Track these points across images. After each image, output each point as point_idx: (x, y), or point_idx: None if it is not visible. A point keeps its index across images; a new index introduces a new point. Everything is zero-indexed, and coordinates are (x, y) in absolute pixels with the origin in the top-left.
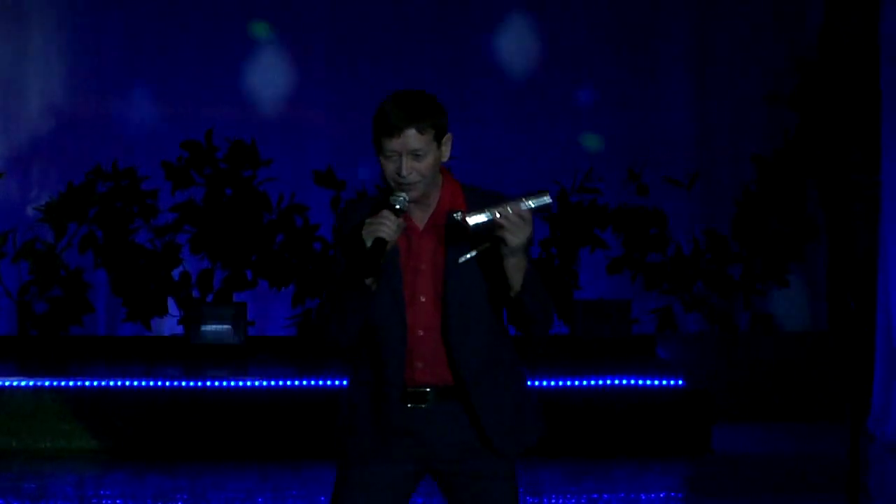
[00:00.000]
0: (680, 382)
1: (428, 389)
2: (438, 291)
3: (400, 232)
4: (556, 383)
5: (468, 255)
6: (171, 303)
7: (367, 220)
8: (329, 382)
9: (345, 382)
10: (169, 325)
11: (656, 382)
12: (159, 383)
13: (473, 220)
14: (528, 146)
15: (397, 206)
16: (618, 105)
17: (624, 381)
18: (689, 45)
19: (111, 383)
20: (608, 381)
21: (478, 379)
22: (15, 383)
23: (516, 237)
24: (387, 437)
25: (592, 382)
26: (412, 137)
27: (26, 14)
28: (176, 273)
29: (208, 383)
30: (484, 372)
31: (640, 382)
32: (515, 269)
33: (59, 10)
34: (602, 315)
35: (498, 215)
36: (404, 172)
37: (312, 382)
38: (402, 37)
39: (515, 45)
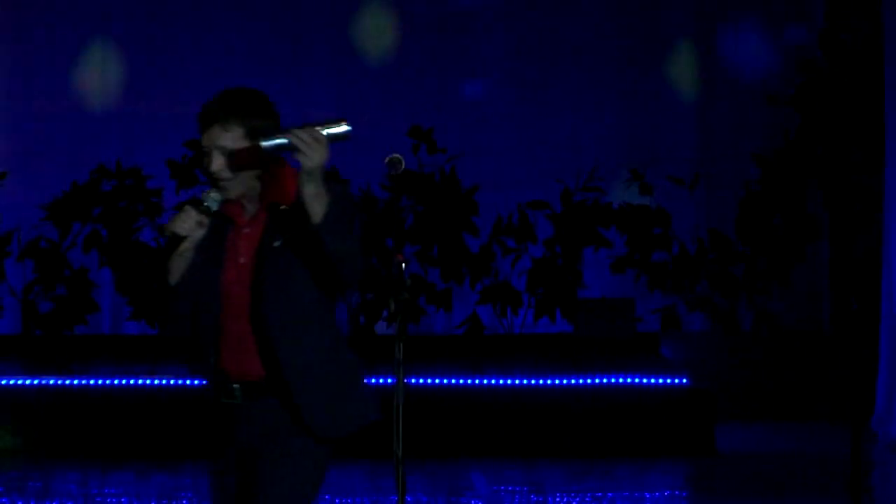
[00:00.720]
0: (683, 381)
1: (237, 386)
2: (248, 280)
3: (200, 228)
4: (560, 382)
5: (279, 242)
6: None
7: (171, 215)
8: None
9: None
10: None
11: (660, 381)
12: (164, 382)
13: (269, 142)
14: (531, 145)
15: (205, 203)
16: (621, 105)
17: (627, 381)
18: (691, 44)
19: (116, 382)
20: (612, 380)
21: (295, 369)
22: (20, 382)
23: (309, 159)
24: (219, 423)
25: (596, 381)
26: (217, 134)
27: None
28: None
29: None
30: (302, 361)
31: (644, 381)
32: (313, 197)
33: (62, 7)
34: (606, 314)
35: (294, 138)
36: (212, 168)
37: None
38: (401, 35)
39: (516, 43)
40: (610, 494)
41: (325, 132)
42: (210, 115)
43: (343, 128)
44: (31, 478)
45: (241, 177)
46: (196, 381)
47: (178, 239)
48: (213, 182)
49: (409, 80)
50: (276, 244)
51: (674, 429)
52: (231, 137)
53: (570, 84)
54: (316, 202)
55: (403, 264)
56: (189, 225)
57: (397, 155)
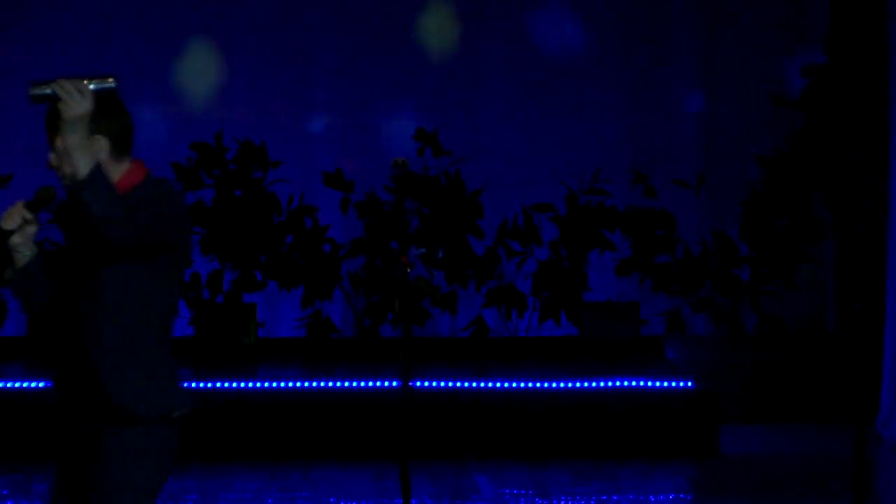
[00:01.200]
0: (688, 384)
1: (57, 374)
2: (76, 276)
3: (28, 225)
4: (565, 384)
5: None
6: (180, 304)
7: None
8: (338, 384)
9: (353, 384)
10: (179, 326)
11: (664, 384)
12: None
13: (36, 90)
14: (535, 148)
15: (33, 200)
16: (625, 107)
17: (632, 383)
18: (696, 46)
19: None
20: (617, 383)
21: (105, 355)
22: (24, 385)
23: (69, 108)
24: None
25: (601, 384)
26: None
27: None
28: (186, 274)
29: (218, 384)
30: (113, 347)
31: (649, 384)
32: (75, 148)
33: (68, 10)
34: (611, 316)
35: (58, 88)
36: (50, 162)
37: (321, 384)
38: (407, 38)
39: (524, 46)
40: (615, 497)
41: (90, 86)
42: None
43: (109, 84)
44: (35, 480)
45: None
46: (205, 384)
47: (5, 233)
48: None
49: (415, 81)
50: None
51: (678, 431)
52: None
53: (574, 86)
54: (78, 153)
55: (408, 267)
56: (14, 221)
57: (402, 158)
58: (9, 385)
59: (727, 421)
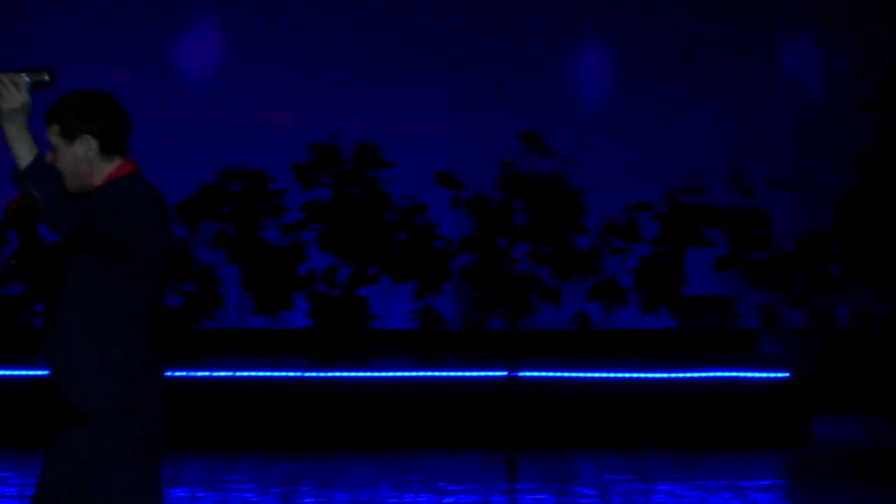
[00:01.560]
0: (782, 375)
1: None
2: (54, 270)
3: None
4: (664, 375)
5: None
6: (298, 297)
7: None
8: (448, 374)
9: (461, 374)
10: (297, 318)
11: (759, 375)
12: (286, 374)
13: None
14: (637, 149)
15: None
16: (724, 110)
17: (729, 374)
18: (788, 51)
19: (241, 374)
20: (713, 374)
21: (58, 344)
22: None
23: (4, 101)
24: None
25: (698, 375)
26: (51, 133)
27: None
28: (303, 268)
29: (333, 374)
30: (64, 337)
31: (744, 375)
32: (14, 140)
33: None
34: (708, 311)
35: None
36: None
37: (432, 374)
38: (516, 46)
39: (625, 49)
40: (712, 483)
41: (26, 79)
42: (48, 116)
43: (44, 77)
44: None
45: (67, 176)
46: (320, 374)
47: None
48: None
49: (522, 84)
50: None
51: (772, 420)
52: (53, 136)
53: (675, 90)
54: (17, 144)
55: (515, 263)
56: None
57: (509, 159)
58: None
59: (819, 411)
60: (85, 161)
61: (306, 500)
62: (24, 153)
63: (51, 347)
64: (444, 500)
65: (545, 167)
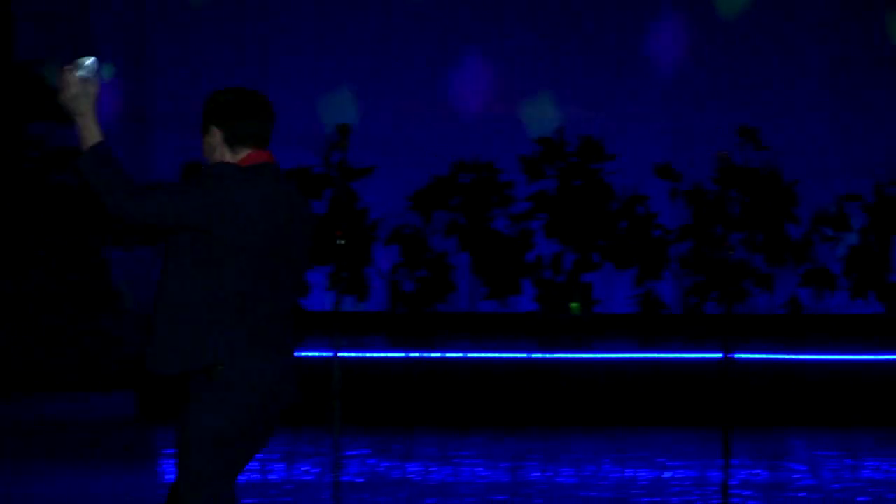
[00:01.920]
0: None
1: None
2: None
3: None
4: (872, 358)
5: None
6: (526, 283)
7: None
8: (668, 356)
9: (680, 356)
10: (524, 302)
11: None
12: (514, 356)
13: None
14: (846, 142)
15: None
16: None
17: None
18: None
19: (472, 356)
20: None
21: (158, 312)
22: (387, 355)
23: (62, 93)
24: None
25: None
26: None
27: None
28: (530, 256)
29: (558, 356)
30: (165, 306)
31: None
32: (77, 128)
33: (428, 14)
34: None
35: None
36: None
37: (652, 355)
38: (726, 46)
39: (836, 50)
40: None
41: (76, 73)
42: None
43: (87, 62)
44: (394, 441)
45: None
46: (547, 355)
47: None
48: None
49: (737, 80)
50: None
51: None
52: (203, 126)
53: (882, 85)
54: (81, 133)
55: (730, 251)
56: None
57: (725, 151)
58: (371, 355)
59: None
60: (215, 150)
61: (532, 475)
62: (84, 141)
63: (151, 313)
64: (663, 475)
65: (759, 159)
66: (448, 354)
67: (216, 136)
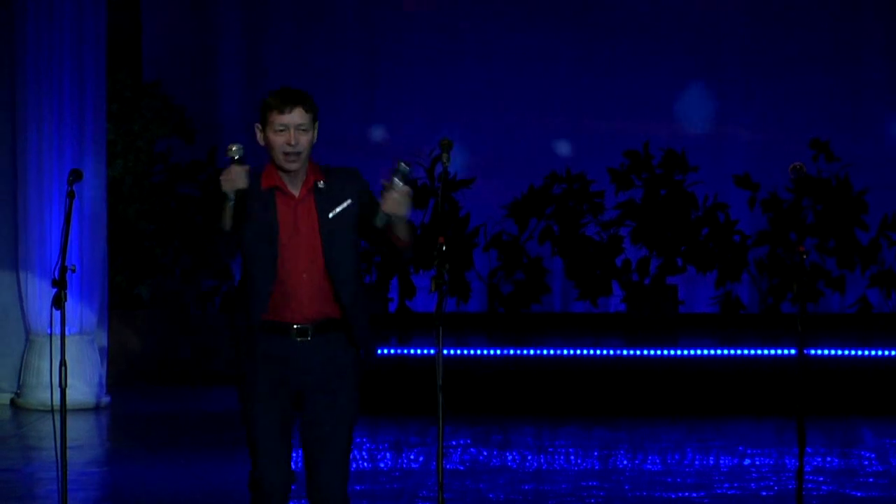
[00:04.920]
0: None
1: (307, 326)
2: (317, 244)
3: (247, 178)
4: None
5: (337, 210)
6: (615, 285)
7: (222, 177)
8: (746, 352)
9: (758, 352)
10: (613, 303)
11: None
12: (604, 352)
13: (379, 222)
14: None
15: (237, 157)
16: None
17: None
18: None
19: (565, 352)
20: None
21: (354, 310)
22: (487, 352)
23: (402, 211)
24: (271, 365)
25: None
26: (299, 114)
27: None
28: (619, 260)
29: (645, 352)
30: (355, 303)
31: None
32: (403, 230)
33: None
34: None
35: (386, 204)
36: (293, 142)
37: (732, 352)
38: (797, 60)
39: None
40: None
41: (398, 184)
42: (293, 100)
43: (405, 168)
44: (493, 431)
45: (305, 153)
46: (634, 351)
47: (235, 193)
48: (286, 157)
49: (809, 96)
50: (332, 215)
51: None
52: (309, 119)
53: None
54: (403, 228)
55: (805, 255)
56: (243, 179)
57: (799, 163)
58: (472, 352)
59: None
60: (313, 142)
61: (621, 462)
62: (406, 238)
63: (350, 313)
64: (743, 462)
65: (831, 170)
66: (543, 351)
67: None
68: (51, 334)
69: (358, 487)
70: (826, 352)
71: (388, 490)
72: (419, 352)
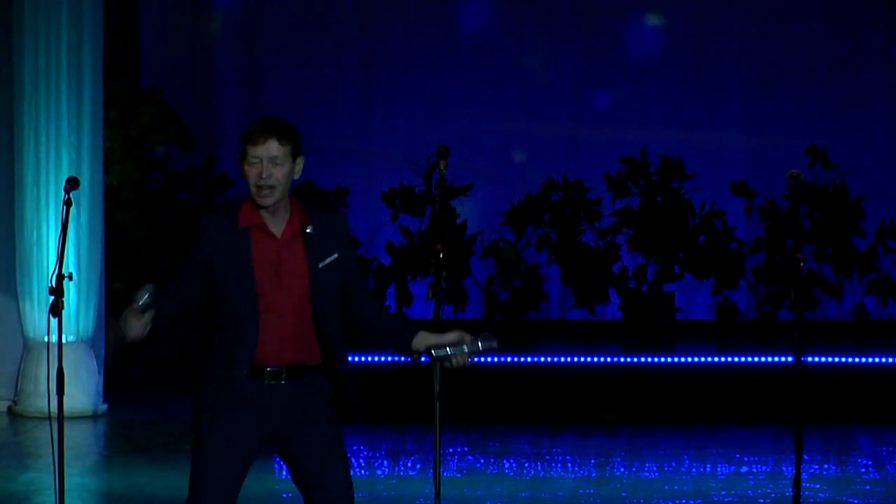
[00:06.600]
0: None
1: (284, 369)
2: (305, 288)
3: (147, 327)
4: None
5: (327, 261)
6: (612, 292)
7: (122, 319)
8: (743, 359)
9: (755, 359)
10: (610, 310)
11: None
12: (602, 359)
13: (437, 353)
14: None
15: (141, 304)
16: None
17: None
18: None
19: (562, 360)
20: None
21: (339, 354)
22: (483, 360)
23: (456, 364)
24: (239, 411)
25: None
26: (274, 145)
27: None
28: (616, 267)
29: (643, 359)
30: (341, 348)
31: None
32: (415, 358)
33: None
34: None
35: (454, 358)
36: (265, 175)
37: (729, 358)
38: (798, 67)
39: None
40: None
41: (477, 347)
42: (266, 132)
43: (493, 344)
44: (491, 439)
45: (280, 188)
46: (631, 359)
47: (133, 339)
48: (258, 190)
49: (805, 103)
50: (324, 263)
51: None
52: (284, 151)
53: None
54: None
55: (801, 262)
56: (141, 328)
57: (796, 170)
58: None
59: None
60: (291, 177)
61: (619, 470)
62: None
63: (338, 358)
64: (740, 469)
65: (828, 177)
66: (540, 359)
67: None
68: (48, 342)
69: (356, 495)
70: (823, 359)
71: (385, 497)
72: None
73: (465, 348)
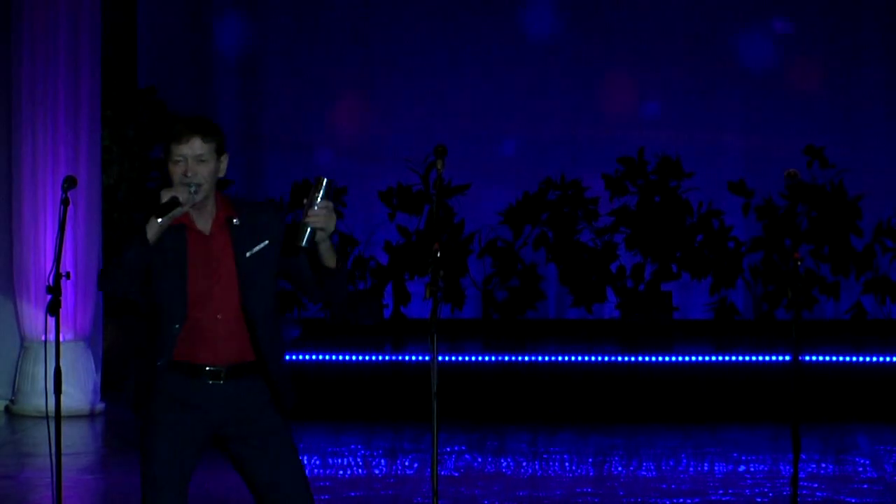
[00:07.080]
0: None
1: (219, 369)
2: (233, 285)
3: (190, 203)
4: None
5: (255, 249)
6: (609, 291)
7: (165, 190)
8: (741, 358)
9: (752, 358)
10: (608, 309)
11: None
12: (599, 359)
13: (303, 241)
14: None
15: (192, 188)
16: None
17: None
18: None
19: (560, 359)
20: None
21: (272, 353)
22: (482, 359)
23: (329, 225)
24: (180, 407)
25: None
26: (197, 144)
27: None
28: (614, 266)
29: (639, 358)
30: (274, 347)
31: None
32: (329, 251)
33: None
34: None
35: (309, 218)
36: (189, 173)
37: (726, 358)
38: (794, 71)
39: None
40: None
41: (318, 199)
42: (190, 130)
43: (323, 183)
44: (488, 438)
45: (206, 185)
46: (629, 358)
47: (177, 202)
48: (185, 186)
49: (803, 103)
50: (251, 253)
51: None
52: (208, 149)
53: None
54: (330, 254)
55: (799, 261)
56: (186, 196)
57: (794, 170)
58: (467, 359)
59: None
60: (216, 174)
61: (616, 468)
62: (332, 260)
63: (267, 357)
64: (738, 469)
65: (825, 176)
66: (538, 358)
67: (224, 163)
68: (45, 341)
69: (352, 494)
70: (821, 358)
71: (382, 497)
72: (414, 358)
73: (310, 204)
